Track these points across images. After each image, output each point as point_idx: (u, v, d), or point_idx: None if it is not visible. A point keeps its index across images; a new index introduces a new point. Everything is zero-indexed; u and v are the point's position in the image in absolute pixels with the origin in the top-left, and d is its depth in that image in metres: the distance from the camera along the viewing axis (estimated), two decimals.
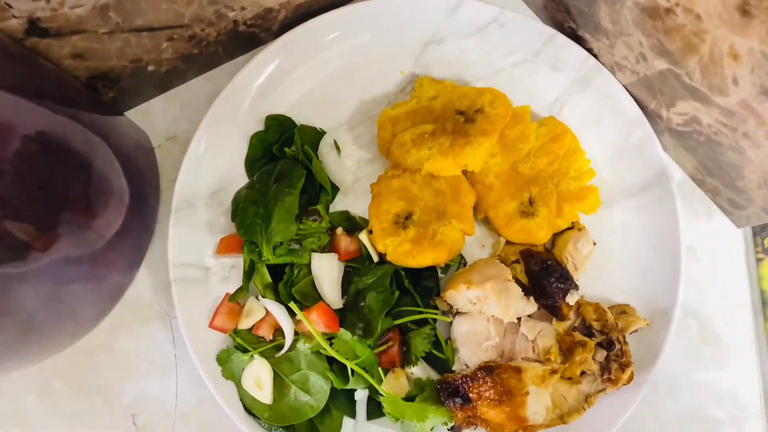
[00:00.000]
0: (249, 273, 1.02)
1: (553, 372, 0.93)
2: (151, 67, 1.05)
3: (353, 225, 1.06)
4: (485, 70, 1.12)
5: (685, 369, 1.08)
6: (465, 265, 1.08)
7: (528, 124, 1.08)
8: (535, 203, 1.05)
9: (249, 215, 0.99)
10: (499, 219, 1.05)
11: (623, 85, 1.09)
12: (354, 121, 1.12)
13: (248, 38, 1.10)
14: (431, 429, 0.97)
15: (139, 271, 1.10)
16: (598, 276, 1.07)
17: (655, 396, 1.07)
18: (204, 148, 1.06)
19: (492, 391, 0.91)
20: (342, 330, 0.96)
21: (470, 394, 0.92)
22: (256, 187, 1.02)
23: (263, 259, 0.98)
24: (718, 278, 1.12)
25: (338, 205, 1.10)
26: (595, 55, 1.10)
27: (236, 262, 1.06)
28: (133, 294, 1.09)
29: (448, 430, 0.97)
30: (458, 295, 0.98)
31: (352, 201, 1.10)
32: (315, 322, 0.96)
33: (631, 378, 0.99)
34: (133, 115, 1.12)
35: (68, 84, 0.96)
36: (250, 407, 1.00)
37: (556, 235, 1.07)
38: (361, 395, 1.02)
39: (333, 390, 1.01)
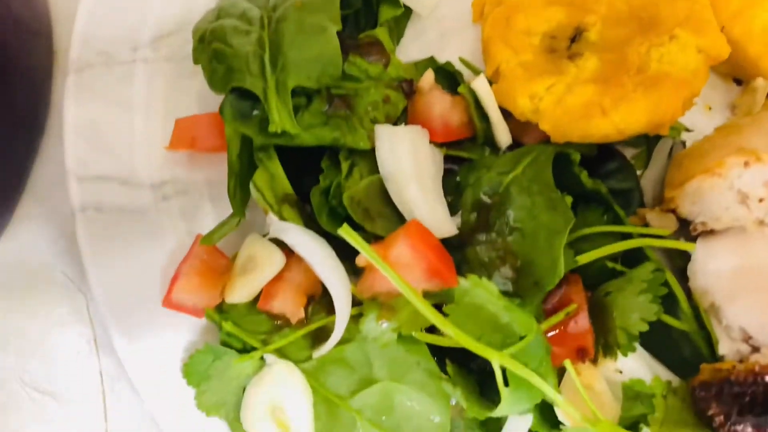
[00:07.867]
0: (241, 175, 0.48)
1: None
2: None
3: (450, 80, 0.58)
4: None
5: None
6: (684, 146, 0.55)
7: None
8: None
9: (231, 44, 0.46)
10: (755, 40, 0.53)
11: None
12: None
13: None
14: None
15: (20, 208, 0.57)
16: None
17: None
18: None
19: None
20: (468, 278, 0.41)
21: None
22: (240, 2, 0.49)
23: (272, 133, 0.44)
24: None
25: (413, 48, 0.59)
26: None
27: (214, 177, 0.54)
28: (5, 254, 0.55)
29: None
30: (720, 185, 0.46)
31: (438, 42, 0.60)
32: (402, 267, 0.42)
33: None
34: None
35: None
36: None
37: None
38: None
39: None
